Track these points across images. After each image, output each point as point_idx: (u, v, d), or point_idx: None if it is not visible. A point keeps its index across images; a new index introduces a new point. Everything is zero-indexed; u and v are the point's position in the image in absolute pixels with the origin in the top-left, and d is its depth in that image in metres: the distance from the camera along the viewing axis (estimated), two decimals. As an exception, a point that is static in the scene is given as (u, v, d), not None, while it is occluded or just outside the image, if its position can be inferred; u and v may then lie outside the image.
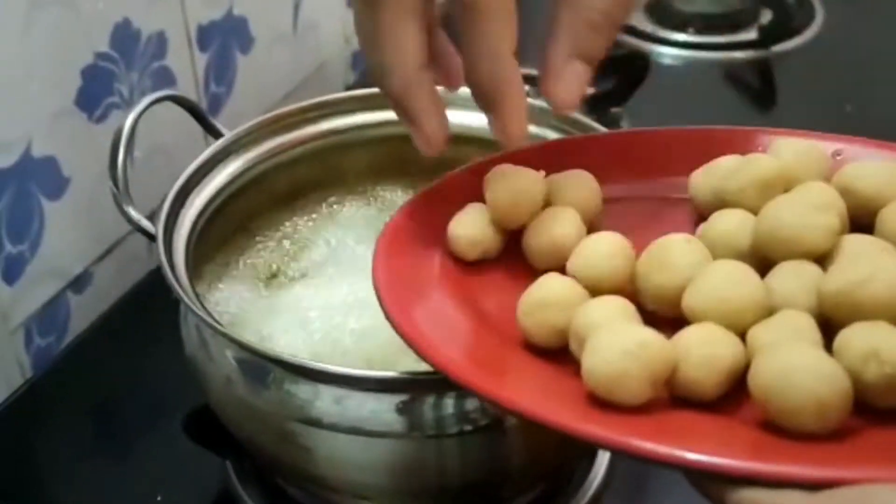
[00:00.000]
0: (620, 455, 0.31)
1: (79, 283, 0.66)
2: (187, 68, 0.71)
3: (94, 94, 0.63)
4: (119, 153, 0.49)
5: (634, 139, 0.48)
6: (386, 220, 0.56)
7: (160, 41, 0.68)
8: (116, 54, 0.64)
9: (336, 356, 0.48)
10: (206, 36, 0.72)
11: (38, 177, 0.60)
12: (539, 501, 0.52)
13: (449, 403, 0.42)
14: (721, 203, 0.39)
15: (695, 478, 0.30)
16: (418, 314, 0.38)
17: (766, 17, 0.96)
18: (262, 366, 0.44)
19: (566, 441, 0.45)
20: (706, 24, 0.96)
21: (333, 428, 0.43)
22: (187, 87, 0.71)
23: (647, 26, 0.97)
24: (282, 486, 0.53)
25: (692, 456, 0.29)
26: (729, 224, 0.38)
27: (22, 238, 0.60)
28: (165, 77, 0.69)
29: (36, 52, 0.58)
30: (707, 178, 0.42)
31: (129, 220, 0.49)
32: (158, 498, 0.53)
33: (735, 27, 0.96)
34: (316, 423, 0.43)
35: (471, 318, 0.39)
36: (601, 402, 0.32)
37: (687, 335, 0.33)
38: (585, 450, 0.54)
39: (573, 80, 0.41)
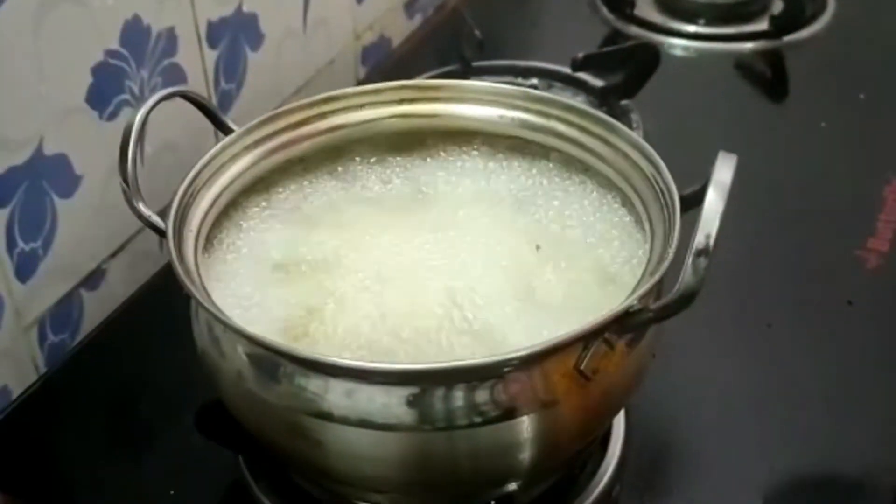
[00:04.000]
0: None
1: (91, 280, 0.66)
2: (197, 65, 0.71)
3: (105, 91, 0.63)
4: (129, 149, 0.49)
5: None
6: (399, 214, 0.57)
7: (170, 38, 0.68)
8: (127, 52, 0.64)
9: (353, 347, 0.48)
10: (215, 33, 0.72)
11: (50, 175, 0.61)
12: (551, 493, 0.52)
13: (459, 396, 0.43)
14: None
15: None
16: None
17: (778, 7, 0.95)
18: (273, 360, 0.44)
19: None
20: (717, 14, 0.96)
21: (344, 421, 0.43)
22: (198, 84, 0.72)
23: (658, 17, 0.96)
24: (294, 480, 0.53)
25: None
26: None
27: (35, 236, 0.61)
28: (176, 74, 0.69)
29: (46, 49, 0.58)
30: None
31: (140, 216, 0.49)
32: (171, 492, 0.54)
33: (746, 18, 0.96)
34: (327, 416, 0.43)
35: None
36: None
37: None
38: (596, 441, 0.54)
39: None
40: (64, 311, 0.64)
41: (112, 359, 0.63)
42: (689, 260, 0.42)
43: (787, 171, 0.77)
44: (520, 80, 0.84)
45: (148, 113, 0.50)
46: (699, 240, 0.42)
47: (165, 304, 0.55)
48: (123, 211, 0.51)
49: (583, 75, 0.83)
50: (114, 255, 0.68)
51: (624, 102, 0.81)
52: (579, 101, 0.69)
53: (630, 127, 0.66)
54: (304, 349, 0.44)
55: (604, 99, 0.81)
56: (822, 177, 0.76)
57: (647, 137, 0.53)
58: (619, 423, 0.56)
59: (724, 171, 0.45)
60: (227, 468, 0.54)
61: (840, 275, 0.67)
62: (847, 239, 0.69)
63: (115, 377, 0.62)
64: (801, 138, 0.81)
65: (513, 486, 0.48)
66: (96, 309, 0.66)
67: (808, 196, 0.74)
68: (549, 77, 0.85)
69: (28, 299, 0.61)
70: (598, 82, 0.83)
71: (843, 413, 0.57)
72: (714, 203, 0.43)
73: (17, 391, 0.61)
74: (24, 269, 0.60)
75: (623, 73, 0.82)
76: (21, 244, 0.60)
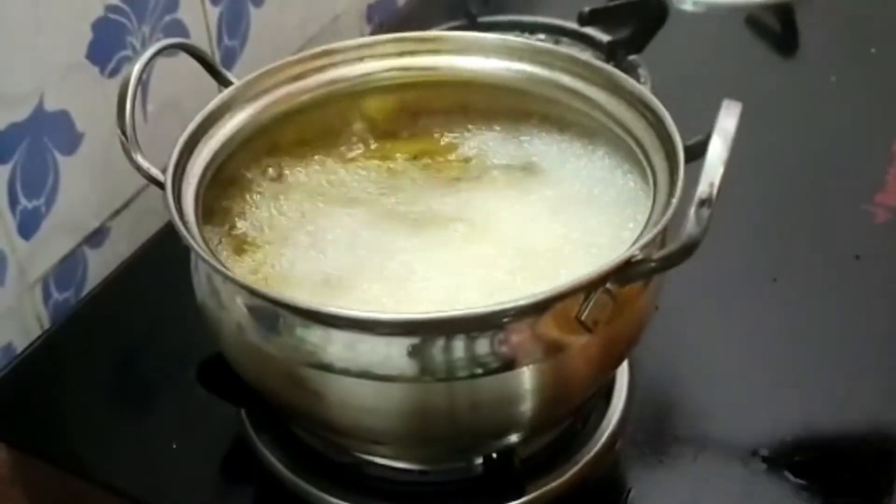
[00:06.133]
0: None
1: (95, 237, 0.66)
2: (200, 21, 0.71)
3: (106, 47, 0.63)
4: (126, 102, 0.48)
5: None
6: (394, 167, 0.56)
7: (171, -7, 0.67)
8: (127, 7, 0.64)
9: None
10: (217, -13, 0.71)
11: (52, 131, 0.60)
12: (553, 447, 0.52)
13: (459, 346, 0.42)
14: None
15: None
16: None
17: (789, -40, 0.94)
18: (273, 311, 0.44)
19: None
20: (727, -32, 0.94)
21: (345, 373, 0.43)
22: (200, 40, 0.71)
23: (666, -28, 0.95)
24: (296, 433, 0.53)
25: None
26: None
27: (37, 193, 0.60)
28: (178, 30, 0.68)
29: (45, 4, 0.58)
30: None
31: (138, 168, 0.49)
32: (174, 446, 0.54)
33: (756, -30, 0.94)
34: (328, 367, 0.43)
35: None
36: None
37: None
38: (599, 394, 0.54)
39: None
40: (68, 269, 0.64)
41: (115, 316, 0.63)
42: (692, 209, 0.41)
43: (797, 125, 0.76)
44: (526, 35, 0.83)
45: (146, 63, 0.49)
46: (702, 189, 0.42)
47: (168, 262, 0.54)
48: (126, 169, 0.51)
49: (590, 30, 0.82)
50: (117, 213, 0.67)
51: (631, 57, 0.80)
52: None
53: (638, 82, 0.65)
54: (305, 299, 0.43)
55: (611, 54, 0.80)
56: (831, 131, 0.75)
57: (654, 92, 0.52)
58: (622, 376, 0.55)
59: (728, 118, 0.44)
60: (229, 422, 0.54)
61: (848, 229, 0.66)
62: (855, 193, 0.68)
63: (119, 334, 0.62)
64: (812, 93, 0.80)
65: (514, 439, 0.48)
66: (100, 266, 0.66)
67: (817, 150, 0.73)
68: (556, 32, 0.84)
69: (32, 257, 0.61)
70: (605, 37, 0.81)
71: (849, 367, 0.57)
72: (718, 150, 0.42)
73: (20, 347, 0.61)
74: (28, 226, 0.60)
75: (631, 27, 0.81)
76: (24, 201, 0.60)
